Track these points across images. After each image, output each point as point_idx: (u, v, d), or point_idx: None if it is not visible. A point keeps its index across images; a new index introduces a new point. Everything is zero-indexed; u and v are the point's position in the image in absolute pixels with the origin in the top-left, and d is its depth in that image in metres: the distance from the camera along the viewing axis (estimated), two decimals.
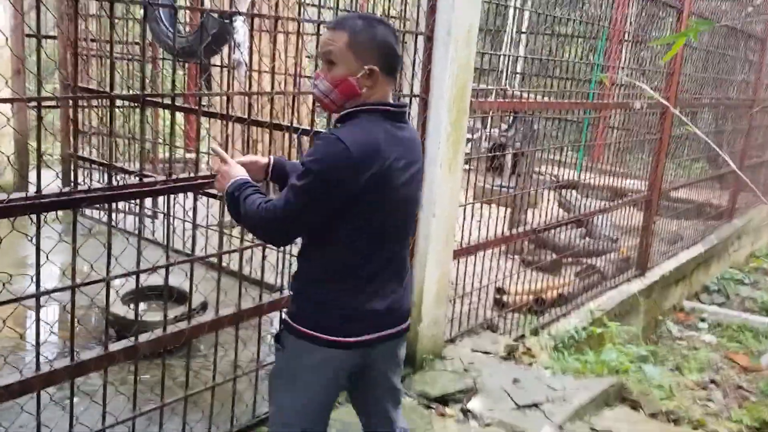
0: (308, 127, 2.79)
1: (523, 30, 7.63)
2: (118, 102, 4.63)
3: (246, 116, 2.39)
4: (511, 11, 3.34)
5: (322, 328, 1.90)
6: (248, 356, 2.98)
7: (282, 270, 2.87)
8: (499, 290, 4.58)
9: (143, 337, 2.09)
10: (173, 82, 2.45)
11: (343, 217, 1.86)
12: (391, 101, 1.98)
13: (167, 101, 2.44)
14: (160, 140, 5.10)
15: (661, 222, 6.16)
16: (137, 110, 4.87)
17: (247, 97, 2.30)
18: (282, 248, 2.86)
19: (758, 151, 8.68)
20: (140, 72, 2.24)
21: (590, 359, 4.28)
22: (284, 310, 2.09)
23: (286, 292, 2.62)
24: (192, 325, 2.20)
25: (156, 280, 2.94)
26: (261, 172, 2.13)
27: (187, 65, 6.44)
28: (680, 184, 6.52)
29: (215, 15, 3.55)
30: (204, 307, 3.24)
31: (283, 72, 3.89)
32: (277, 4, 2.25)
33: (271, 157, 2.19)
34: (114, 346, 2.03)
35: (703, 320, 6.55)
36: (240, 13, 2.77)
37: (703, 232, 7.40)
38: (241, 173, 1.99)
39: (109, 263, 2.03)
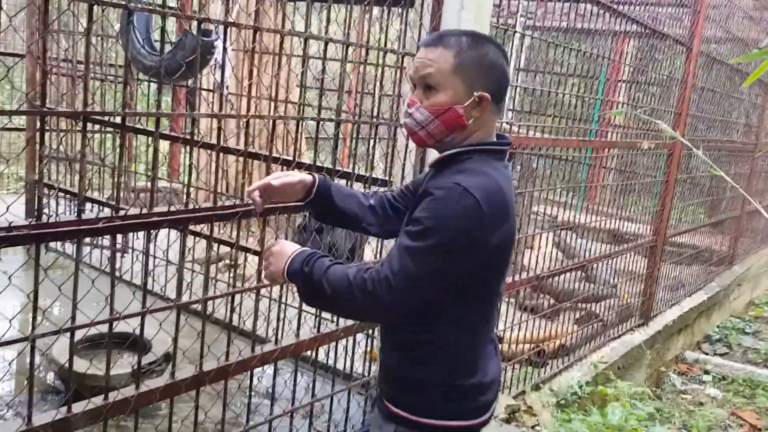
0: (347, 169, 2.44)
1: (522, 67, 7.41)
2: (92, 126, 4.29)
3: (230, 144, 2.05)
4: (515, 39, 3.07)
5: (457, 413, 1.63)
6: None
7: (281, 319, 2.48)
8: (498, 339, 4.22)
9: (78, 407, 1.70)
10: (157, 103, 2.13)
11: (465, 284, 1.57)
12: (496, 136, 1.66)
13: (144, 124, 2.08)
14: (137, 169, 4.76)
15: (664, 268, 5.85)
16: (110, 135, 4.53)
17: (217, 122, 1.96)
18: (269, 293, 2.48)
19: (758, 197, 8.44)
20: (122, 93, 1.85)
21: (596, 420, 3.92)
22: (386, 402, 1.72)
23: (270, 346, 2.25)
24: (140, 392, 1.81)
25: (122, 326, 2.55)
26: (299, 193, 1.76)
27: (173, 87, 6.12)
28: (684, 230, 6.22)
29: (194, 31, 3.22)
30: (168, 358, 2.85)
31: (268, 97, 3.58)
32: (256, 15, 1.92)
33: (315, 175, 1.81)
34: (40, 419, 1.64)
35: (707, 372, 6.21)
36: (215, 21, 2.45)
37: (705, 279, 7.12)
38: (295, 246, 1.62)
39: (75, 310, 1.65)
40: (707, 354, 6.72)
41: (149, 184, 1.79)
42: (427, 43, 1.63)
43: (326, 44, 2.17)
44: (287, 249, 1.61)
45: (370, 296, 1.49)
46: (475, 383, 1.65)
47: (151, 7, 1.94)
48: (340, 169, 2.62)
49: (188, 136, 1.91)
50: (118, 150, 3.79)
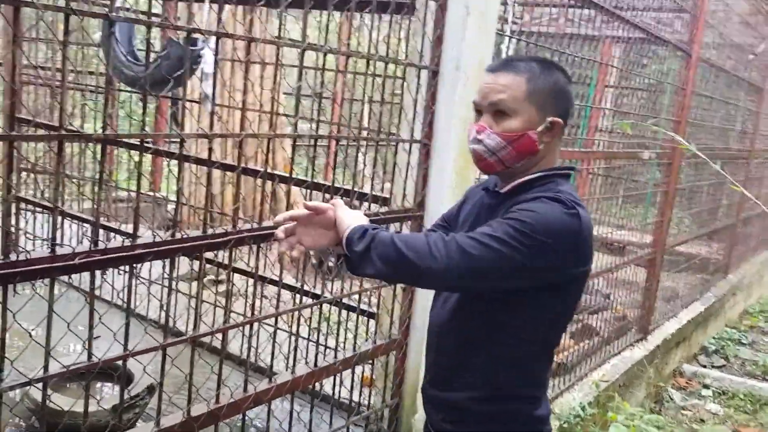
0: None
1: None
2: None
3: (224, 161, 1.86)
4: (505, 44, 2.92)
5: None
6: None
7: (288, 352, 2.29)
8: None
9: None
10: (142, 122, 1.93)
11: (549, 300, 1.57)
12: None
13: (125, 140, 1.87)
14: (118, 178, 4.54)
15: (662, 280, 5.72)
16: (90, 147, 4.30)
17: (208, 142, 1.77)
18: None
19: (753, 203, 8.35)
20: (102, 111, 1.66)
21: None
22: None
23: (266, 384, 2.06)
24: None
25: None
26: (330, 226, 1.57)
27: (157, 99, 5.91)
28: (683, 240, 6.09)
29: (180, 40, 3.04)
30: (150, 391, 2.64)
31: (257, 109, 3.39)
32: (250, 26, 1.73)
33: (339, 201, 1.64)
34: None
35: (706, 387, 6.07)
36: (204, 32, 2.26)
37: (701, 289, 7.00)
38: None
39: (48, 358, 1.46)
40: (705, 367, 6.59)
41: (131, 194, 1.59)
42: (496, 69, 1.61)
43: (325, 55, 1.99)
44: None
45: (442, 248, 1.44)
46: (543, 415, 1.66)
47: (134, 17, 1.74)
48: (341, 187, 2.44)
49: (174, 154, 1.72)
50: (98, 164, 3.57)
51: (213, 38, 2.77)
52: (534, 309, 1.57)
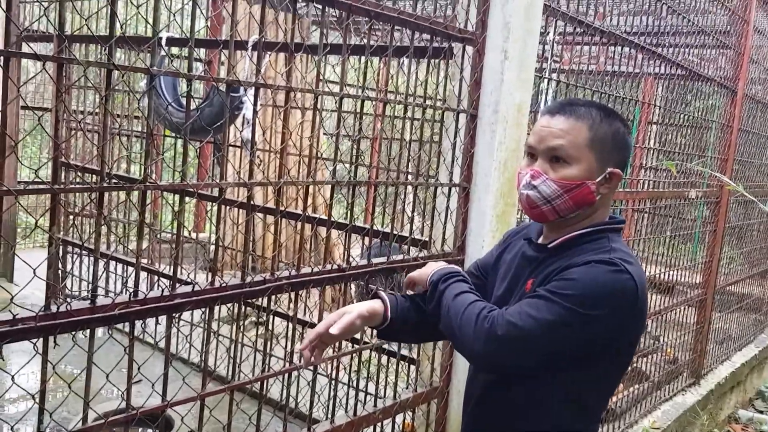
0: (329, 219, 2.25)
1: None
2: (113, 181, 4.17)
3: (268, 205, 1.87)
4: (544, 84, 2.90)
5: None
6: None
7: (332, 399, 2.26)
8: None
9: None
10: (182, 174, 1.96)
11: (591, 366, 1.49)
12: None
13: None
14: (163, 221, 4.62)
15: (713, 321, 5.52)
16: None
17: (247, 191, 1.78)
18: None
19: None
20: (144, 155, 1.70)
21: None
22: None
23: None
24: None
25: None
26: (369, 324, 1.62)
27: (199, 144, 6.04)
28: (734, 281, 5.89)
29: (222, 87, 3.10)
30: None
31: (297, 153, 3.43)
32: (288, 74, 1.76)
33: (384, 297, 1.66)
34: None
35: None
36: (243, 83, 2.30)
37: (755, 331, 6.74)
38: (441, 264, 1.67)
39: (87, 394, 1.46)
40: (762, 412, 6.30)
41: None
42: (555, 111, 1.53)
43: (362, 102, 2.00)
44: (434, 265, 1.67)
45: (486, 330, 1.41)
46: None
47: (173, 70, 1.79)
48: (380, 230, 2.43)
49: (216, 198, 1.73)
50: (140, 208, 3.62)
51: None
52: (582, 375, 1.49)
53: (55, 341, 1.43)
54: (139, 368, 1.60)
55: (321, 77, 1.88)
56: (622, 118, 1.58)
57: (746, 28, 4.91)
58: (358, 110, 2.03)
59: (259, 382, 1.94)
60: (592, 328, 1.39)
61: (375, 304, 1.62)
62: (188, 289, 1.62)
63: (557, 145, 1.49)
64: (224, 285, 1.70)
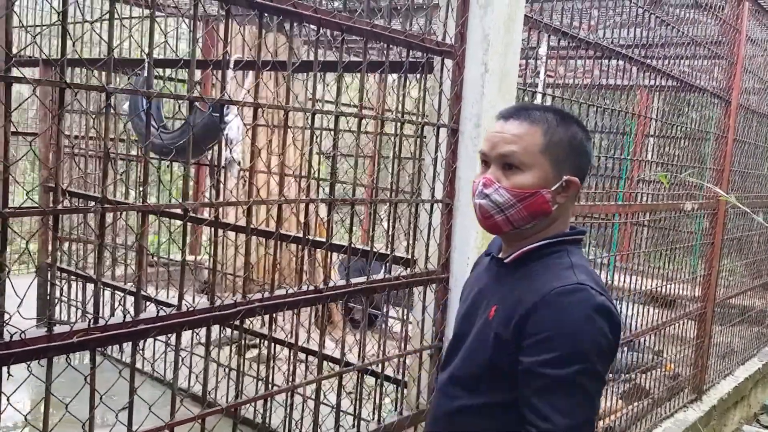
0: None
1: None
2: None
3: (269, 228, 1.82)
4: (538, 99, 2.86)
5: None
6: None
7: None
8: None
9: None
10: (145, 184, 1.91)
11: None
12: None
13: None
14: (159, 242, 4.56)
15: (714, 335, 5.42)
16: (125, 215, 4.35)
17: (242, 210, 1.73)
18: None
19: None
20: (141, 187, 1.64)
21: None
22: None
23: None
24: None
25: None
26: None
27: (196, 165, 6.00)
28: (734, 293, 5.80)
29: (200, 107, 3.05)
30: None
31: (279, 173, 3.37)
32: (256, 91, 1.71)
33: None
34: None
35: None
36: (233, 102, 2.25)
37: (757, 344, 6.63)
38: None
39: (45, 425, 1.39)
40: (767, 427, 6.18)
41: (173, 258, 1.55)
42: (508, 116, 1.45)
43: (337, 118, 1.95)
44: None
45: None
46: None
47: (159, 92, 1.75)
48: (359, 247, 2.37)
49: (204, 221, 1.68)
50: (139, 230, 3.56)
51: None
52: None
53: (9, 372, 1.37)
54: (101, 397, 1.54)
55: (292, 93, 1.83)
56: (581, 123, 1.50)
57: (738, 38, 4.87)
58: (351, 127, 1.99)
59: (241, 408, 1.87)
60: (601, 374, 1.36)
61: None
62: (153, 314, 1.56)
63: (509, 152, 1.41)
64: (192, 309, 1.64)
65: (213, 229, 1.88)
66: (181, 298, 1.64)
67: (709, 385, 5.38)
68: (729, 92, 4.88)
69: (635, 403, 4.51)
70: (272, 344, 3.10)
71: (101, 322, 1.47)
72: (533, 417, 1.33)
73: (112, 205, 1.46)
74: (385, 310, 2.63)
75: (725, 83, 4.90)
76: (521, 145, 1.40)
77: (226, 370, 3.41)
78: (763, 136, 5.93)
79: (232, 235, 4.85)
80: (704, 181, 5.00)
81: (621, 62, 3.59)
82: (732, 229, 5.41)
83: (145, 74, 3.48)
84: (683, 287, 5.02)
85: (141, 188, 1.54)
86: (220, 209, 4.37)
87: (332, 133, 2.08)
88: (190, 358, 3.35)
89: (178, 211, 1.73)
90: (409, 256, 2.51)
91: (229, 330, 3.17)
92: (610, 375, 4.58)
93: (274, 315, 1.92)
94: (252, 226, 1.75)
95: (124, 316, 1.52)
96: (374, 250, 2.27)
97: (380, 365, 2.45)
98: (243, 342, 1.86)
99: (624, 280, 4.12)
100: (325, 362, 2.30)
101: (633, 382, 4.70)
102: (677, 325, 4.89)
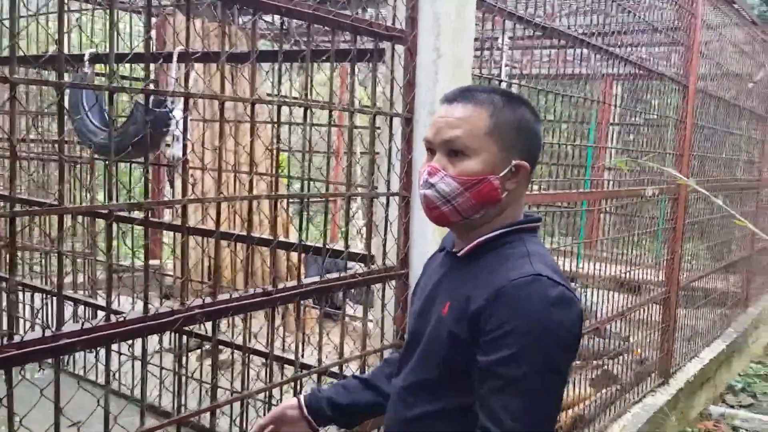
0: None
1: None
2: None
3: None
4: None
5: None
6: None
7: None
8: None
9: None
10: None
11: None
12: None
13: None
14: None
15: (679, 318, 5.44)
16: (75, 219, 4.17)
17: (181, 209, 1.60)
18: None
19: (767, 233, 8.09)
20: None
21: None
22: None
23: None
24: None
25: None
26: (299, 424, 1.53)
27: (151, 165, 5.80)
28: (698, 276, 5.83)
29: (149, 104, 2.91)
30: None
31: (231, 169, 3.26)
32: (186, 82, 1.59)
33: (299, 396, 1.58)
34: None
35: (735, 429, 5.71)
36: (176, 94, 2.12)
37: (721, 325, 6.70)
38: None
39: None
40: (732, 407, 6.25)
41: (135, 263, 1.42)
42: (452, 99, 1.35)
43: (279, 108, 1.84)
44: None
45: None
46: None
47: (96, 84, 1.61)
48: (311, 245, 2.26)
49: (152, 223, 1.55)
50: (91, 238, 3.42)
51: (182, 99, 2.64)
52: None
53: None
54: (19, 419, 1.41)
55: (225, 81, 1.71)
56: (530, 104, 1.41)
57: (694, 23, 4.87)
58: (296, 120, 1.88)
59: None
60: (563, 366, 1.28)
61: (289, 405, 1.55)
62: (76, 328, 1.43)
63: (453, 137, 1.31)
64: (122, 320, 1.51)
65: (146, 229, 1.75)
66: (109, 306, 1.52)
67: (676, 368, 5.40)
68: (687, 77, 4.87)
69: (604, 390, 4.49)
70: (233, 350, 2.97)
71: (17, 339, 1.34)
72: (484, 419, 1.25)
73: (24, 208, 1.32)
74: (343, 309, 2.52)
75: (683, 69, 4.90)
76: (466, 128, 1.31)
77: (187, 379, 3.28)
78: (720, 120, 5.96)
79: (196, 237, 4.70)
80: (666, 166, 5.00)
81: (582, 51, 3.53)
82: (693, 213, 5.43)
83: (86, 69, 3.32)
84: (648, 272, 5.02)
85: (59, 188, 1.40)
86: (179, 209, 4.20)
87: (292, 126, 1.96)
88: (135, 367, 3.20)
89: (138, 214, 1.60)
90: (367, 253, 2.40)
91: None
92: (578, 362, 4.56)
93: (222, 320, 1.80)
94: (188, 226, 1.63)
95: (44, 331, 1.38)
96: (327, 247, 2.16)
97: (339, 367, 2.34)
98: (181, 350, 1.73)
99: (590, 268, 4.08)
100: (287, 366, 2.19)
101: (602, 369, 4.69)
102: (643, 310, 4.89)
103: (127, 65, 4.74)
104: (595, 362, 4.69)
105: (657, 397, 4.91)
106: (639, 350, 5.05)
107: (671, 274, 5.05)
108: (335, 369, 2.36)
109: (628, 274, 4.71)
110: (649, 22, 4.25)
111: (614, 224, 4.96)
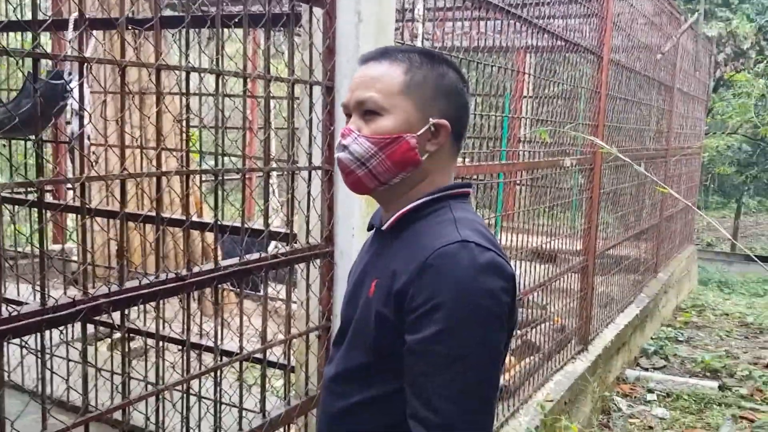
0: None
1: None
2: None
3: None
4: None
5: None
6: None
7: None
8: None
9: None
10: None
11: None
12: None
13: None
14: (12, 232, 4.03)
15: (596, 286, 5.58)
16: None
17: (80, 186, 1.41)
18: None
19: (673, 200, 8.44)
20: None
21: None
22: None
23: None
24: None
25: None
26: None
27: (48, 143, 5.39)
28: (613, 244, 5.99)
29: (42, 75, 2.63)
30: None
31: (137, 145, 3.04)
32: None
33: None
34: None
35: (650, 391, 5.96)
36: (68, 58, 1.90)
37: (634, 291, 6.95)
38: None
39: None
40: (647, 369, 6.51)
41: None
42: (368, 59, 1.26)
43: (188, 75, 1.67)
44: None
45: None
46: None
47: None
48: (228, 224, 2.10)
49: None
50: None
51: (77, 67, 2.40)
52: None
53: None
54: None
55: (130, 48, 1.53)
56: (455, 65, 1.31)
57: None
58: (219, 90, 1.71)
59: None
60: (497, 325, 1.18)
61: None
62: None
63: (366, 97, 1.22)
64: (16, 314, 1.33)
65: (40, 211, 1.55)
66: (0, 298, 1.33)
67: (594, 335, 5.55)
68: (601, 48, 4.94)
69: (527, 359, 4.54)
70: (146, 338, 2.80)
71: None
72: (418, 406, 1.16)
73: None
74: (264, 290, 2.38)
75: (597, 40, 4.96)
76: (378, 87, 1.22)
77: (96, 372, 3.06)
78: (632, 91, 6.10)
79: (99, 219, 4.40)
80: (581, 134, 5.07)
81: (498, 22, 3.48)
82: (606, 183, 5.55)
83: None
84: (565, 242, 5.10)
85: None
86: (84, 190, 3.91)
87: (203, 98, 1.79)
88: (36, 359, 2.96)
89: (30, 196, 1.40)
90: (288, 231, 2.27)
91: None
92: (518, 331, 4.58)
93: (131, 309, 1.64)
94: (88, 206, 1.45)
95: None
96: (246, 226, 2.01)
97: (263, 353, 2.21)
98: (87, 341, 1.56)
99: (510, 239, 4.08)
100: (209, 353, 2.04)
101: (523, 338, 4.75)
102: (562, 279, 4.97)
103: (21, 36, 4.36)
104: (517, 332, 4.75)
105: (577, 364, 5.03)
106: (558, 318, 5.15)
107: (588, 243, 5.16)
108: (258, 355, 2.23)
109: (546, 244, 4.77)
110: None
111: (533, 196, 5.00)
